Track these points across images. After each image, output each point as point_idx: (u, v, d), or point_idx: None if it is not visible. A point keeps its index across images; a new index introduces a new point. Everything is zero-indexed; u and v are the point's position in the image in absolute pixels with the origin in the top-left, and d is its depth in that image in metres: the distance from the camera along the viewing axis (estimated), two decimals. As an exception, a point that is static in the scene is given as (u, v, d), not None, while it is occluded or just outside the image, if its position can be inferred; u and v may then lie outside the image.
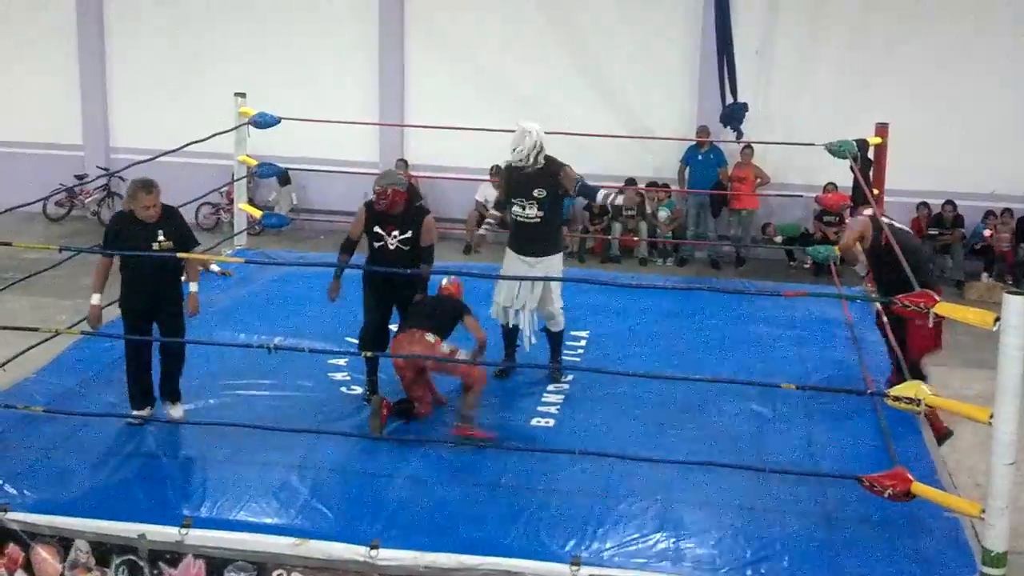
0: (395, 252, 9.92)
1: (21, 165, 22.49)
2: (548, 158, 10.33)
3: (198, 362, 10.72)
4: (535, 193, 10.22)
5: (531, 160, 10.20)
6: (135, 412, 9.40)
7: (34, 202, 12.38)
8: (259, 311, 12.34)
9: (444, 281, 10.13)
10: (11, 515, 8.16)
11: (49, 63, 22.77)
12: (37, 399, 9.72)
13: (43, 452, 8.94)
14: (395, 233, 9.94)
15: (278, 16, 21.74)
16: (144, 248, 9.24)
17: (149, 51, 22.26)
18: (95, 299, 9.33)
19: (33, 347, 10.11)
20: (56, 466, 8.74)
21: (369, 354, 9.73)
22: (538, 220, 10.27)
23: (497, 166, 20.22)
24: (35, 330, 9.59)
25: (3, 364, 10.00)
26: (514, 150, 10.24)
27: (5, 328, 9.50)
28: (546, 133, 10.42)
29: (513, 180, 10.38)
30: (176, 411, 9.52)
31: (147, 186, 9.27)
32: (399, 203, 9.91)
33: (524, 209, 10.26)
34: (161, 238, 9.33)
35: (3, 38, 22.88)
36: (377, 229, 9.97)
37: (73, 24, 22.49)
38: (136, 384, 9.49)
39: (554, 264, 10.45)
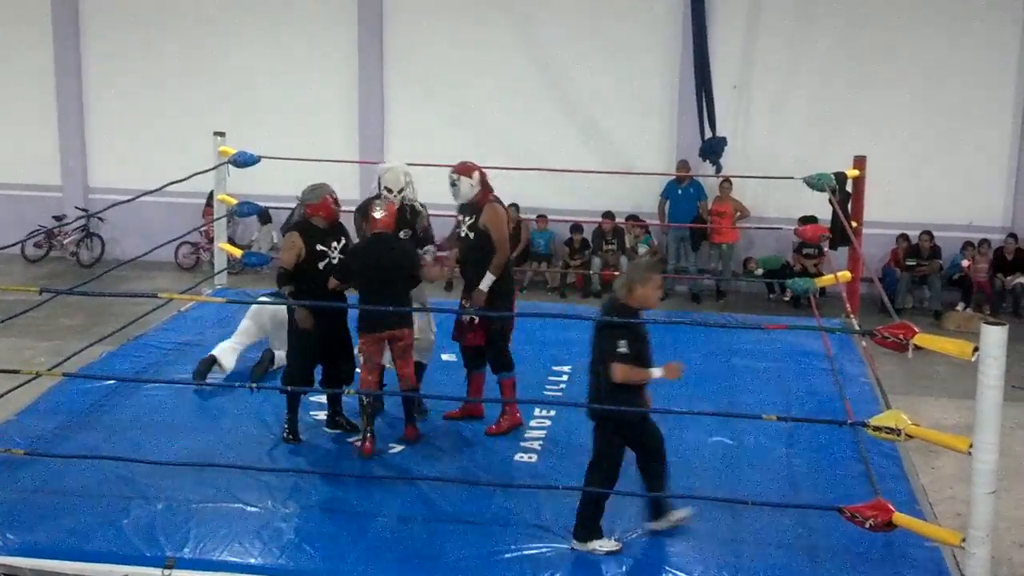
0: (337, 266, 9.93)
1: (-1, 206, 22.49)
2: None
3: (182, 403, 10.79)
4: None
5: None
6: (607, 547, 8.24)
7: (12, 244, 12.37)
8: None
9: (379, 214, 9.76)
10: (-7, 558, 8.15)
11: (27, 104, 22.74)
12: (18, 442, 9.68)
13: (25, 495, 8.90)
14: (335, 245, 9.96)
15: (257, 56, 21.76)
16: None
17: (127, 91, 22.26)
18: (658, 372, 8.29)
19: (13, 389, 10.08)
20: (38, 509, 8.69)
21: (352, 392, 9.75)
22: None
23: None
24: (16, 372, 9.58)
25: (-17, 406, 10.00)
26: (399, 191, 10.49)
27: (-15, 370, 9.50)
28: (526, 169, 10.56)
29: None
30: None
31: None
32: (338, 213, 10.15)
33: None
34: None
35: (-20, 79, 22.91)
36: (320, 247, 9.88)
37: (51, 64, 22.48)
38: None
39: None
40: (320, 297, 9.72)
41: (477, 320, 10.24)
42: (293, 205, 10.54)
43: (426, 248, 10.44)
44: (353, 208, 10.62)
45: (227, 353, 11.64)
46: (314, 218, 9.98)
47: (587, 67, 21.01)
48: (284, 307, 10.65)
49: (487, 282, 10.17)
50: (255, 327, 11.84)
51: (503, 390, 10.48)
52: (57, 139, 22.76)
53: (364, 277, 9.68)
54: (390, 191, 10.38)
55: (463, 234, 10.42)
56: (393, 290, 9.58)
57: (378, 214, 9.74)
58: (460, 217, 10.49)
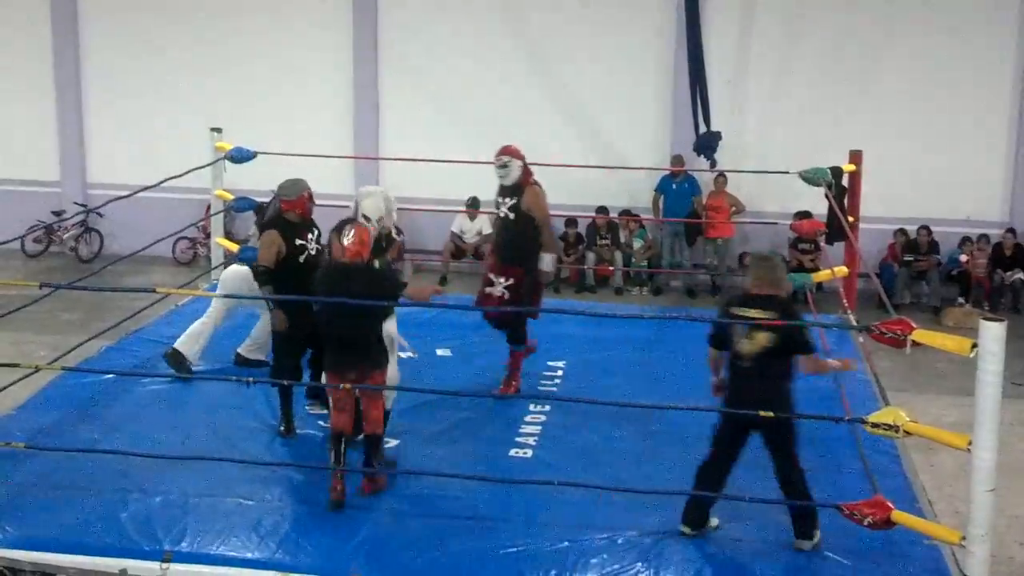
0: (315, 257, 9.96)
1: (-1, 201, 22.47)
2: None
3: (179, 397, 10.79)
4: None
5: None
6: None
7: (12, 240, 12.39)
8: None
9: (348, 240, 8.80)
10: (-8, 551, 8.17)
11: (26, 100, 22.74)
12: (18, 435, 9.68)
13: (24, 488, 8.92)
14: (310, 236, 10.01)
15: (253, 52, 21.76)
16: None
17: (125, 87, 22.24)
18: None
19: (13, 383, 10.09)
20: (37, 502, 8.72)
21: (348, 386, 9.54)
22: None
23: (474, 198, 20.31)
24: (15, 366, 9.59)
25: (-17, 400, 10.02)
26: (378, 220, 9.80)
27: (-15, 364, 9.52)
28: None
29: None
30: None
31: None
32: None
33: None
34: None
35: (-21, 75, 22.88)
36: (299, 241, 9.91)
37: (49, 61, 22.47)
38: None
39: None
40: (303, 291, 9.35)
41: (507, 296, 10.86)
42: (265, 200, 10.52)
43: None
44: (337, 202, 10.49)
45: (192, 341, 11.64)
46: (288, 213, 10.01)
47: (581, 62, 21.01)
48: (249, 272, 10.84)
49: (550, 260, 10.98)
50: (224, 309, 11.84)
51: (515, 360, 11.20)
52: (56, 135, 22.76)
53: (328, 311, 8.88)
54: (368, 219, 9.65)
55: (502, 214, 10.96)
56: (360, 327, 8.77)
57: (347, 240, 8.78)
58: (499, 199, 11.02)
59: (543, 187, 11.09)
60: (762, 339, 8.05)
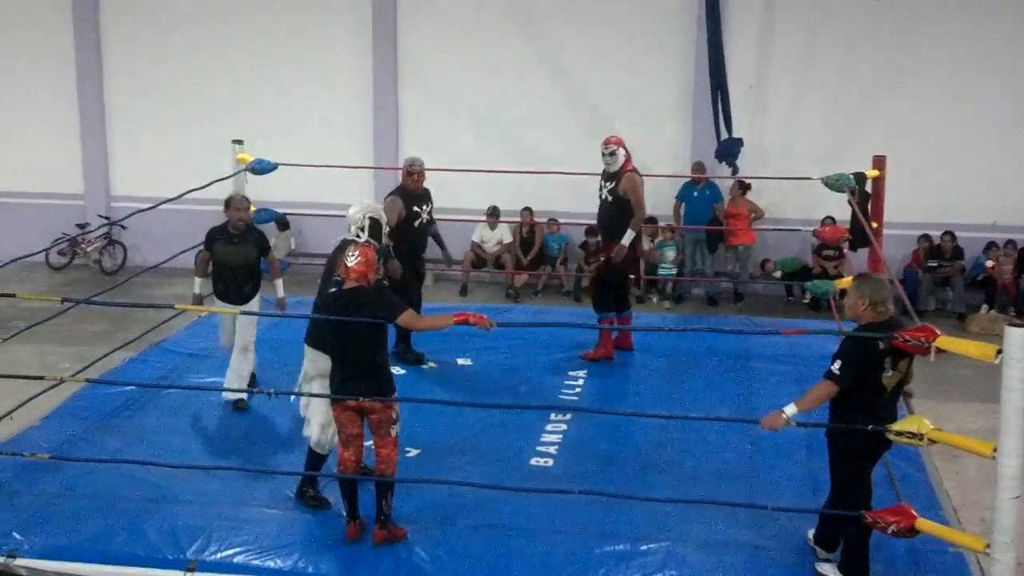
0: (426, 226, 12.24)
1: (23, 215, 22.52)
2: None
3: (202, 407, 10.83)
4: None
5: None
6: None
7: (37, 252, 12.44)
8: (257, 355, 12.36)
9: (352, 261, 8.30)
10: (19, 561, 8.22)
11: (49, 114, 22.80)
12: (43, 446, 9.75)
13: (49, 499, 8.99)
14: (426, 208, 12.20)
15: (274, 66, 21.78)
16: None
17: (148, 100, 22.29)
18: None
19: (38, 395, 10.14)
20: (62, 512, 8.78)
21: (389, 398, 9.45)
22: None
23: (494, 207, 20.32)
24: (40, 378, 9.65)
25: (9, 412, 10.06)
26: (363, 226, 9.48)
27: (10, 377, 9.57)
28: (540, 173, 10.81)
29: None
30: None
31: None
32: None
33: None
34: None
35: (3, 89, 22.92)
36: (415, 208, 12.04)
37: (72, 75, 22.54)
38: None
39: None
40: (418, 248, 12.13)
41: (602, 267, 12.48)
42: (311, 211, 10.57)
43: None
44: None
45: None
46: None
47: (601, 70, 20.93)
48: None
49: (628, 237, 12.13)
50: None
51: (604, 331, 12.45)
52: (80, 149, 22.80)
53: (334, 338, 8.57)
54: (361, 232, 9.43)
55: (602, 196, 12.34)
56: (363, 354, 8.37)
57: (351, 261, 8.31)
58: (602, 182, 12.35)
59: (641, 175, 12.35)
60: (904, 367, 7.95)
